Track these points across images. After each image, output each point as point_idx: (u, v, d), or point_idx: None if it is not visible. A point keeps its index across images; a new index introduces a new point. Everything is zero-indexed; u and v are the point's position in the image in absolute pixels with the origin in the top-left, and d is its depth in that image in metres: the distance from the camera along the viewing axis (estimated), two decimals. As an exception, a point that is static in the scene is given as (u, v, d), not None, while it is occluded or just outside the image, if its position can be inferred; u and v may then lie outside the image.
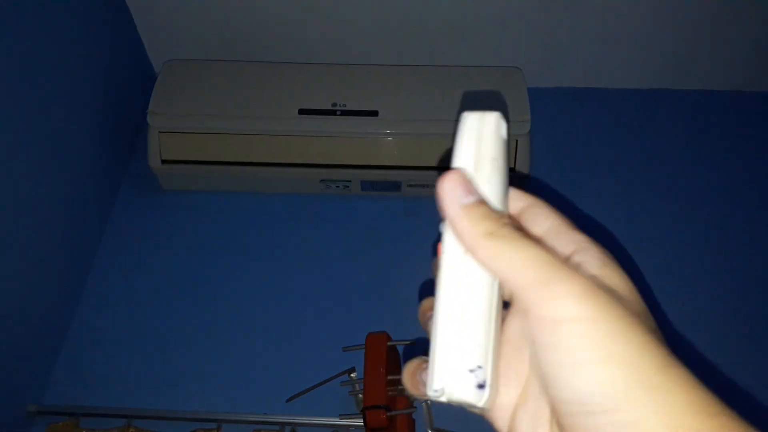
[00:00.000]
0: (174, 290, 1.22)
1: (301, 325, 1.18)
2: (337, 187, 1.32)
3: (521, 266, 0.26)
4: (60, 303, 1.16)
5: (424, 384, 0.28)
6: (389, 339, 0.94)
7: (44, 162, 1.05)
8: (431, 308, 0.29)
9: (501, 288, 0.29)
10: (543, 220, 0.31)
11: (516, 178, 1.25)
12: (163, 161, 1.26)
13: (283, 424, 1.04)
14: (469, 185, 0.28)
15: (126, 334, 1.17)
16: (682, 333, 1.12)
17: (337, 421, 1.02)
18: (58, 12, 1.06)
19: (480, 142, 0.29)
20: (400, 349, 1.00)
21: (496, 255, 0.27)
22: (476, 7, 1.32)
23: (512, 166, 1.23)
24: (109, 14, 1.27)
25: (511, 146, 1.22)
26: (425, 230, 1.30)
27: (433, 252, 0.29)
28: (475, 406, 0.27)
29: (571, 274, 0.26)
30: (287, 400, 1.03)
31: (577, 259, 0.28)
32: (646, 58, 1.44)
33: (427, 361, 0.29)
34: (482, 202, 0.28)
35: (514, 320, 0.31)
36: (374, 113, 1.25)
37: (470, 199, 0.28)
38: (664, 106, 1.48)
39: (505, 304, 0.31)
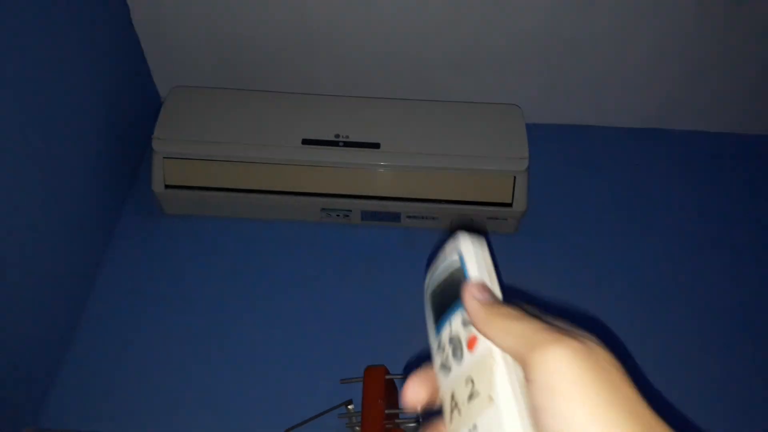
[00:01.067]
0: (173, 316, 1.23)
1: (300, 355, 1.19)
2: (338, 216, 1.34)
3: (514, 335, 0.28)
4: (59, 326, 1.17)
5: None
6: (387, 373, 0.95)
7: (47, 185, 1.07)
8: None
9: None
10: None
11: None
12: (167, 186, 1.28)
13: (278, 454, 1.04)
14: (489, 292, 0.31)
15: (124, 359, 1.17)
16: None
17: (332, 452, 1.03)
18: (67, 37, 1.08)
19: (482, 257, 0.32)
20: (398, 383, 1.01)
21: (496, 329, 0.29)
22: (477, 45, 1.36)
23: (510, 202, 1.26)
24: (117, 40, 1.30)
25: (509, 183, 1.25)
26: (424, 262, 1.32)
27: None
28: None
29: (558, 338, 0.28)
30: None
31: None
32: (642, 98, 1.49)
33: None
34: (496, 299, 0.31)
35: None
36: (376, 145, 1.27)
37: (488, 297, 0.31)
38: (658, 145, 1.52)
39: None
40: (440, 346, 0.29)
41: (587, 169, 1.48)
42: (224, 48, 1.39)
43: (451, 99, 1.41)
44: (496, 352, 0.27)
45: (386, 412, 0.90)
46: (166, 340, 1.19)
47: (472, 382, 0.27)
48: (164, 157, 1.26)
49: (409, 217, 1.33)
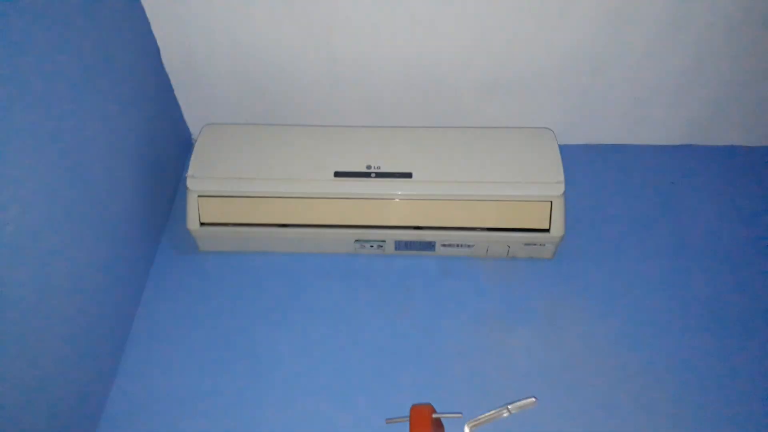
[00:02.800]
0: (212, 351, 1.22)
1: (341, 391, 1.17)
2: (371, 246, 1.33)
3: None
4: (101, 366, 1.17)
5: None
6: (433, 411, 0.93)
7: (84, 227, 1.07)
8: None
9: None
10: None
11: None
12: (202, 224, 1.28)
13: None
14: None
15: (163, 397, 1.17)
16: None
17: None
18: (99, 79, 1.09)
19: None
20: (444, 421, 0.99)
21: None
22: (505, 69, 1.35)
23: (547, 228, 1.24)
24: (148, 80, 1.32)
25: (546, 209, 1.23)
26: (460, 289, 1.31)
27: None
28: None
29: None
30: (329, 471, 1.02)
31: None
32: (677, 115, 1.46)
33: None
34: None
35: None
36: (408, 175, 1.26)
37: None
38: (695, 162, 1.49)
39: None
40: None
41: (623, 188, 1.45)
42: (253, 84, 1.41)
43: (481, 124, 1.40)
44: None
45: (434, 452, 0.88)
46: (204, 376, 1.19)
47: None
48: (199, 196, 1.27)
49: (444, 245, 1.31)
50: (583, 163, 1.48)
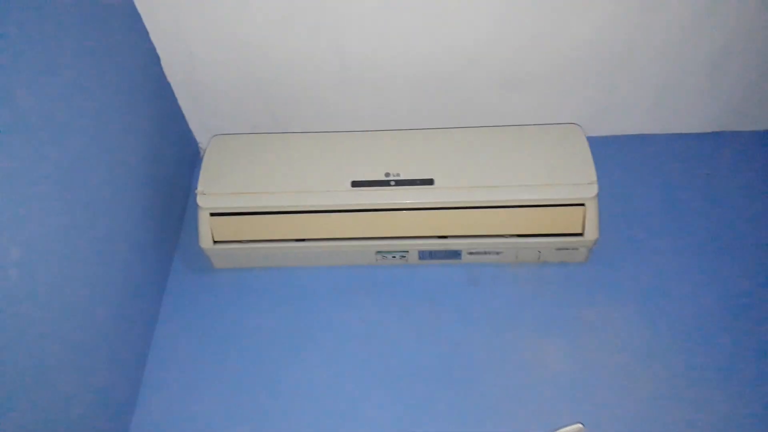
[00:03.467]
0: (231, 370, 1.18)
1: (367, 411, 1.12)
2: (393, 257, 1.27)
3: None
4: (121, 390, 1.13)
5: None
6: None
7: (93, 254, 1.02)
8: None
9: None
10: None
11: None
12: (215, 242, 1.22)
13: None
14: None
15: (185, 417, 1.13)
16: None
17: None
18: (98, 93, 1.03)
19: None
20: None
21: None
22: (526, 62, 1.27)
23: (580, 232, 1.17)
24: (149, 90, 1.25)
25: (579, 212, 1.16)
26: (489, 299, 1.24)
27: None
28: None
29: None
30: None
31: None
32: (708, 101, 1.38)
33: None
34: None
35: None
36: (429, 182, 1.20)
37: None
38: (731, 149, 1.41)
39: None
40: None
41: (655, 181, 1.38)
42: (260, 90, 1.33)
43: (502, 122, 1.33)
44: None
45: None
46: (225, 395, 1.15)
47: None
48: (210, 214, 1.21)
49: (470, 253, 1.25)
50: (611, 155, 1.40)
